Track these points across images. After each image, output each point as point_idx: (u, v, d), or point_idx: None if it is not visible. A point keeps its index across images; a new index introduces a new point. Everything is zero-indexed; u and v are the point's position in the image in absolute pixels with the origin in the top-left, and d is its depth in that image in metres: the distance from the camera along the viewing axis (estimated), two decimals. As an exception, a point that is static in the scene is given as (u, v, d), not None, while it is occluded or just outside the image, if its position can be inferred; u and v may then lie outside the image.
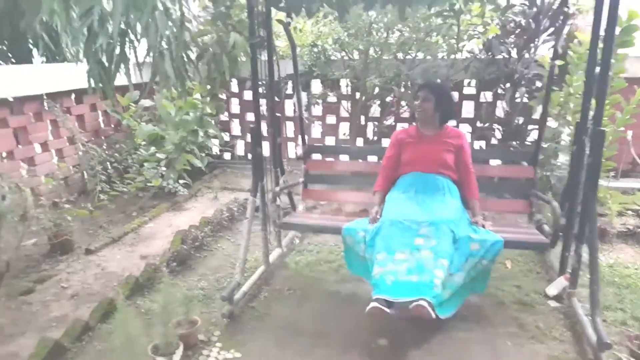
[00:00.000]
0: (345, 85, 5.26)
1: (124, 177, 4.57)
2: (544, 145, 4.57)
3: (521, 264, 3.44)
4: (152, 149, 4.36)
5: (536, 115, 4.56)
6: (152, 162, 4.05)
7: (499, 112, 4.87)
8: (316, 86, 5.52)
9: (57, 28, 4.67)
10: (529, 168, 3.36)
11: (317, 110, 5.53)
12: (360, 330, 2.66)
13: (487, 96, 4.88)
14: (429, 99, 2.94)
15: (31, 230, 3.49)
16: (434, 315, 2.28)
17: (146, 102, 4.50)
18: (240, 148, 6.09)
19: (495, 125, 4.77)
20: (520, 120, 4.83)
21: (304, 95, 5.13)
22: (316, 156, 3.80)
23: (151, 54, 2.20)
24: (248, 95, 5.63)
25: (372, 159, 4.27)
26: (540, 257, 3.52)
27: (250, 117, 5.80)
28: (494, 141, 4.82)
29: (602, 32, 2.56)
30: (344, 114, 5.45)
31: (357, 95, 5.11)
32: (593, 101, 2.72)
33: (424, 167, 2.95)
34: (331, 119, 5.56)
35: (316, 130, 5.65)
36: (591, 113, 3.49)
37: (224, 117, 5.77)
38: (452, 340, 2.57)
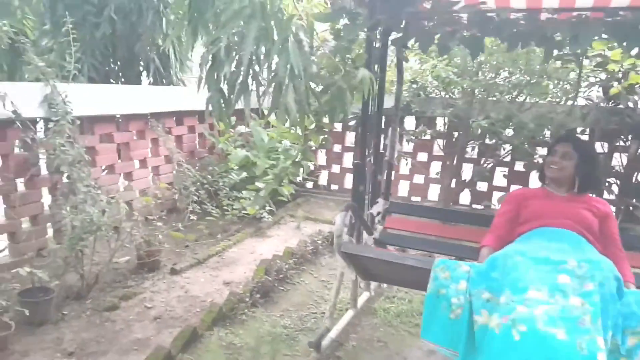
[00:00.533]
0: (442, 124, 5.07)
1: (218, 200, 4.61)
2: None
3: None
4: (244, 174, 4.37)
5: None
6: (250, 191, 4.04)
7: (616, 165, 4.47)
8: (409, 123, 5.37)
9: (169, 53, 4.88)
10: None
11: (408, 147, 5.37)
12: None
13: (604, 147, 4.48)
14: (571, 157, 2.34)
15: (124, 245, 3.56)
16: None
17: (242, 128, 4.55)
18: (323, 178, 6.02)
19: (613, 180, 4.36)
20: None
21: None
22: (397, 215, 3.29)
23: (272, 85, 2.14)
24: (337, 126, 5.58)
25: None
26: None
27: (336, 147, 5.75)
28: (607, 195, 4.39)
29: None
30: (436, 152, 5.25)
31: (455, 134, 4.91)
32: None
33: (557, 223, 2.20)
34: (422, 156, 5.36)
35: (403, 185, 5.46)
36: None
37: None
38: None
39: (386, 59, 3.01)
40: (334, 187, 6.01)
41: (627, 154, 4.41)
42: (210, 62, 2.26)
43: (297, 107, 2.07)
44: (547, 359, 1.52)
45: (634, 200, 4.19)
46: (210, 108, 2.21)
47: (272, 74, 2.16)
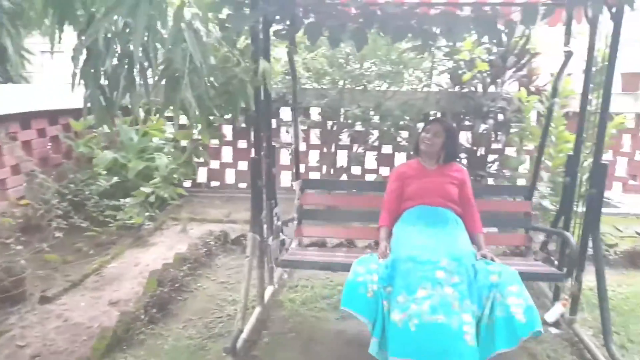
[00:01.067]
0: (317, 114, 5.20)
1: (86, 211, 4.12)
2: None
3: (513, 292, 3.46)
4: (115, 178, 3.96)
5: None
6: (137, 198, 3.65)
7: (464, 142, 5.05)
8: (285, 114, 5.40)
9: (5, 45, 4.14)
10: (525, 203, 3.40)
11: (286, 137, 5.40)
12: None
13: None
14: (440, 135, 2.90)
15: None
16: None
17: (106, 128, 4.10)
18: (202, 175, 5.76)
19: (463, 155, 4.94)
20: (482, 150, 5.05)
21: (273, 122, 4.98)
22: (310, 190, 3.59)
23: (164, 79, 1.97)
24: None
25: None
26: (527, 284, 3.57)
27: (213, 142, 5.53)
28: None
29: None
30: (313, 141, 5.39)
31: (329, 123, 5.08)
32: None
33: (430, 200, 2.84)
34: (301, 146, 5.43)
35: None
36: (569, 145, 3.71)
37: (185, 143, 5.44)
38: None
39: (269, 51, 2.98)
40: (214, 183, 5.80)
41: (472, 132, 5.03)
42: (85, 56, 2.01)
43: (197, 102, 1.94)
44: (435, 340, 2.12)
45: (480, 171, 4.81)
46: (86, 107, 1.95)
47: (162, 67, 1.99)
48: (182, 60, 1.74)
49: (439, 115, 5.01)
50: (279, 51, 4.69)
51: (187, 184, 5.62)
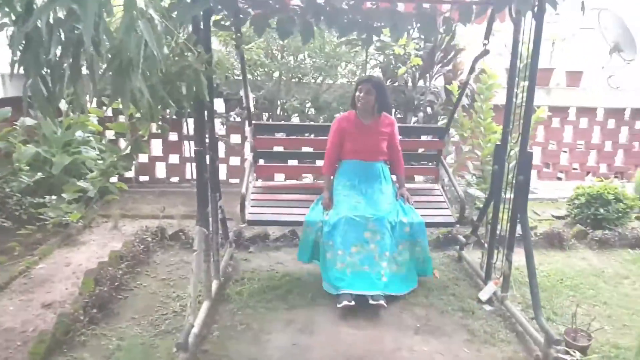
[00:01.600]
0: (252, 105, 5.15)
1: (8, 210, 3.79)
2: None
3: (447, 272, 3.71)
4: (39, 174, 3.69)
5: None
6: (72, 193, 3.39)
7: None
8: (219, 105, 5.30)
9: None
10: (440, 142, 4.08)
11: (222, 130, 5.31)
12: (330, 357, 2.60)
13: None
14: (372, 92, 3.36)
15: None
16: (386, 305, 3.02)
17: (28, 120, 3.80)
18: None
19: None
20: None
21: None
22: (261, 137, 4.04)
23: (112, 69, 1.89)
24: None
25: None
26: (461, 266, 3.84)
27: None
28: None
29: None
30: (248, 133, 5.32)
31: (265, 116, 5.07)
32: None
33: (364, 156, 3.48)
34: (236, 138, 5.37)
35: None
36: (496, 135, 4.00)
37: (110, 136, 5.16)
38: (417, 354, 2.66)
39: (210, 41, 2.92)
40: (143, 178, 5.56)
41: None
42: (24, 43, 1.87)
43: (150, 93, 1.88)
44: (362, 280, 3.06)
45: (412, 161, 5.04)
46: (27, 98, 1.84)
47: (110, 55, 1.90)
48: (135, 49, 1.67)
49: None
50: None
51: (114, 179, 5.36)
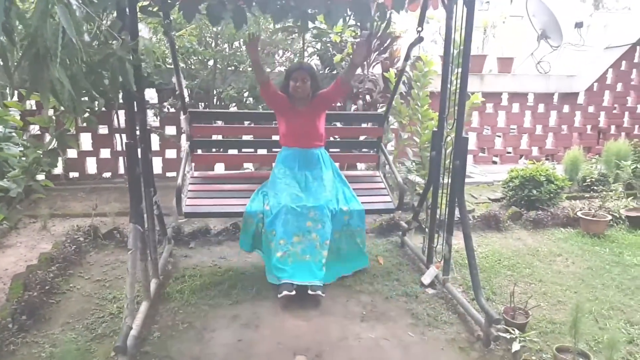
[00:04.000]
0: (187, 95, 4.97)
1: None
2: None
3: (390, 258, 3.76)
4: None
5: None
6: None
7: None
8: (151, 95, 5.08)
9: None
10: (379, 129, 4.09)
11: (155, 122, 5.10)
12: (277, 350, 2.57)
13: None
14: (307, 79, 3.34)
15: None
16: (323, 294, 3.05)
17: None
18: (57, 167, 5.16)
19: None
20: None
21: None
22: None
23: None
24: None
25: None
26: (404, 251, 3.91)
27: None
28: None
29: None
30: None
31: (202, 105, 4.91)
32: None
33: (302, 143, 3.44)
34: (171, 130, 5.17)
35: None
36: (433, 122, 4.08)
37: (35, 131, 4.82)
38: (364, 341, 2.68)
39: (137, 28, 2.76)
40: (73, 174, 5.24)
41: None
42: None
43: (72, 83, 1.74)
44: (303, 270, 3.05)
45: (352, 149, 5.07)
46: None
47: (25, 43, 1.74)
48: (53, 36, 1.53)
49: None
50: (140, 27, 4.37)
51: (41, 176, 5.01)
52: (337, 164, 3.74)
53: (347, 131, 4.43)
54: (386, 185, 3.88)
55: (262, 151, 4.49)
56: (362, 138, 4.52)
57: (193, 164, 3.79)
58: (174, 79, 3.62)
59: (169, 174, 5.33)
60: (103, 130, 5.19)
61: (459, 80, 2.92)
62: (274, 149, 3.95)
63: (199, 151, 3.97)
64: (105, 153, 5.27)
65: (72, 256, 3.42)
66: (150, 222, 3.00)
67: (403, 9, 2.60)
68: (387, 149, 5.14)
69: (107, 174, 5.32)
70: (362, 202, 3.43)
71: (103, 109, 4.71)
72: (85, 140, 5.24)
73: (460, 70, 2.90)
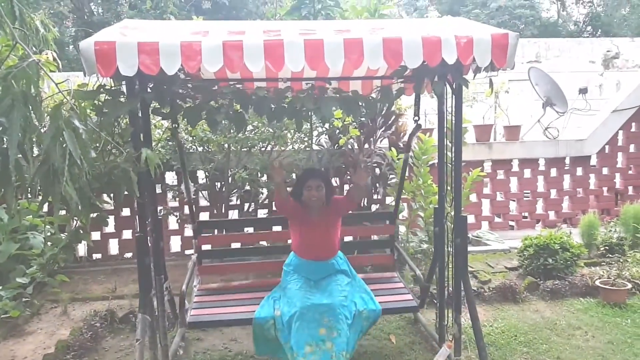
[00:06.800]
0: (203, 177, 5.23)
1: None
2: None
3: (403, 336, 3.72)
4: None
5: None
6: (11, 290, 3.26)
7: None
8: (171, 179, 5.37)
9: None
10: (390, 226, 4.08)
11: (173, 202, 5.34)
12: None
13: (337, 181, 5.48)
14: (321, 187, 3.20)
15: None
16: None
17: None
18: (81, 249, 5.39)
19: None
20: (365, 201, 5.44)
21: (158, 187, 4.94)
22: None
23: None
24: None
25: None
26: (417, 328, 3.87)
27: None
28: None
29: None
30: (202, 203, 5.39)
31: (218, 185, 5.15)
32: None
33: (316, 255, 3.27)
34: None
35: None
36: (436, 197, 4.15)
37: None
38: None
39: (150, 131, 3.00)
40: (96, 256, 5.45)
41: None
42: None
43: (79, 195, 1.92)
44: None
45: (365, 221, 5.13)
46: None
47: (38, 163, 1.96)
48: (61, 158, 1.73)
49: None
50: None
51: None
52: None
53: (357, 231, 4.40)
54: (404, 284, 3.80)
55: (270, 258, 4.23)
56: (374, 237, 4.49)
57: (199, 277, 3.81)
58: (182, 187, 3.77)
59: (187, 252, 5.48)
60: (126, 212, 5.44)
61: (454, 162, 3.02)
62: (283, 256, 3.73)
63: (206, 262, 3.92)
64: (127, 234, 5.49)
65: (87, 343, 3.52)
66: (160, 309, 3.09)
67: (390, 103, 2.77)
68: (399, 217, 5.24)
69: (129, 254, 5.51)
70: (380, 302, 3.29)
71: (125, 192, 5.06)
72: (109, 223, 5.47)
73: (454, 150, 2.99)
